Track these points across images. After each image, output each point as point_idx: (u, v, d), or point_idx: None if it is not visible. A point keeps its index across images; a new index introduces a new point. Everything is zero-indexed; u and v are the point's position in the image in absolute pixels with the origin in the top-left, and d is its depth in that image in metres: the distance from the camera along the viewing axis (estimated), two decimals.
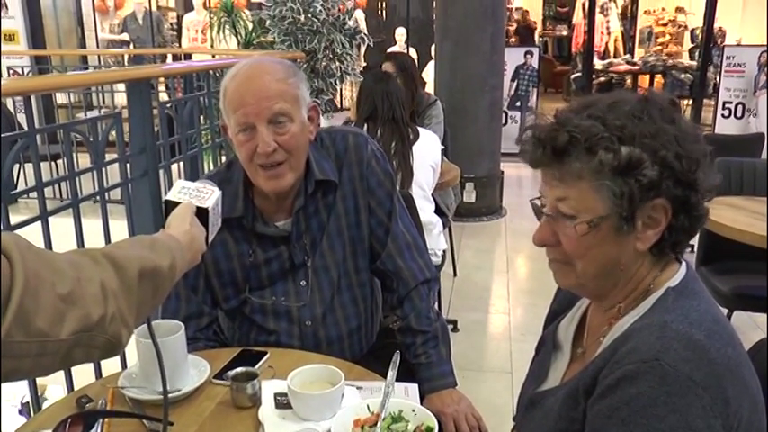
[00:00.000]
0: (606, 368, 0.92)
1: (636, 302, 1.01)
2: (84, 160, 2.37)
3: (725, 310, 2.76)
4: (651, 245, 0.98)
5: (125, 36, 9.15)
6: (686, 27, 12.10)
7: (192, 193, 1.23)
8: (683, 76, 9.71)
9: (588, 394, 0.96)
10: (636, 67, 10.22)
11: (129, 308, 0.87)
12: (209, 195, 1.23)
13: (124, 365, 2.23)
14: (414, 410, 1.23)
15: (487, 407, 1.72)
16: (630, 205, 0.95)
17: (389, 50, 7.62)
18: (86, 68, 7.61)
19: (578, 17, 12.33)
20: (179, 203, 1.20)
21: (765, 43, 6.99)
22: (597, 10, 10.56)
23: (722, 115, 7.40)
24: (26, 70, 7.07)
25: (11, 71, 6.90)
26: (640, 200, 0.94)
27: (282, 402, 1.28)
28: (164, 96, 5.33)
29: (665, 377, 0.86)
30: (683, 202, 0.96)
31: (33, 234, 1.99)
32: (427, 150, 3.03)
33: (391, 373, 1.32)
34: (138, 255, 0.93)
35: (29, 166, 2.10)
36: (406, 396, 1.38)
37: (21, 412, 3.14)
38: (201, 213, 1.21)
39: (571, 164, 0.96)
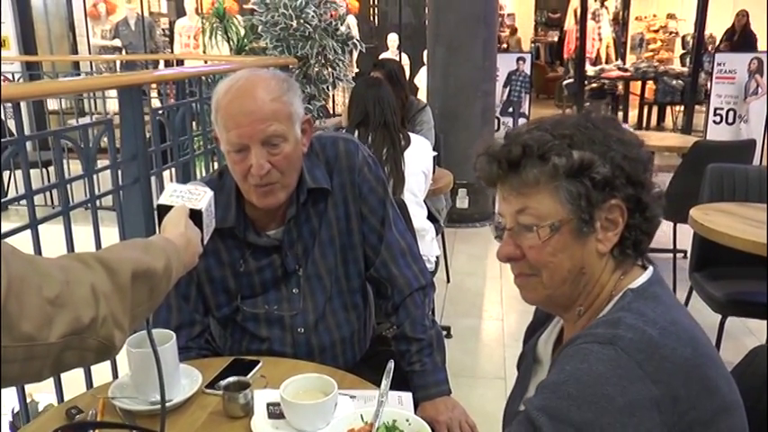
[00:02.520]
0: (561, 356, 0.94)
1: (600, 309, 1.03)
2: (76, 167, 2.35)
3: (718, 317, 2.76)
4: (612, 246, 1.02)
5: (117, 42, 9.12)
6: (677, 33, 12.19)
7: (185, 196, 1.22)
8: (674, 82, 9.76)
9: None
10: (627, 74, 10.25)
11: (123, 310, 0.86)
12: (201, 197, 1.23)
13: (115, 376, 2.21)
14: (408, 420, 1.22)
15: (481, 414, 1.71)
16: (588, 205, 0.98)
17: (380, 57, 7.63)
18: (78, 74, 7.60)
19: (570, 23, 12.39)
20: (172, 207, 1.20)
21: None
22: (589, 16, 10.62)
23: (714, 121, 7.44)
24: (17, 76, 7.04)
25: (1, 77, 6.86)
26: (597, 200, 0.98)
27: (275, 412, 1.27)
28: (156, 103, 5.32)
29: (619, 360, 0.88)
30: (637, 200, 1.00)
31: (24, 242, 1.98)
32: (419, 156, 3.03)
33: (385, 382, 1.31)
34: (130, 257, 0.92)
35: (20, 173, 2.09)
36: (399, 405, 1.37)
37: (11, 424, 3.11)
38: (195, 215, 1.20)
39: (527, 172, 1.00)
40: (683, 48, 11.69)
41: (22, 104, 6.06)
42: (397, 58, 8.21)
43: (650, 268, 1.06)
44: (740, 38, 9.49)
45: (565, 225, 0.99)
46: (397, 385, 1.39)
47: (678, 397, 0.88)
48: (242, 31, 5.96)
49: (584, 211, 0.99)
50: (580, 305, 1.06)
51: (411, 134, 3.11)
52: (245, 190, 1.52)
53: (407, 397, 1.42)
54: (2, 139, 1.94)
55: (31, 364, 0.73)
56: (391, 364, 1.37)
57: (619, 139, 1.01)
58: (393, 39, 9.07)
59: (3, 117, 5.06)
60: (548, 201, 1.00)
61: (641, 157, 1.01)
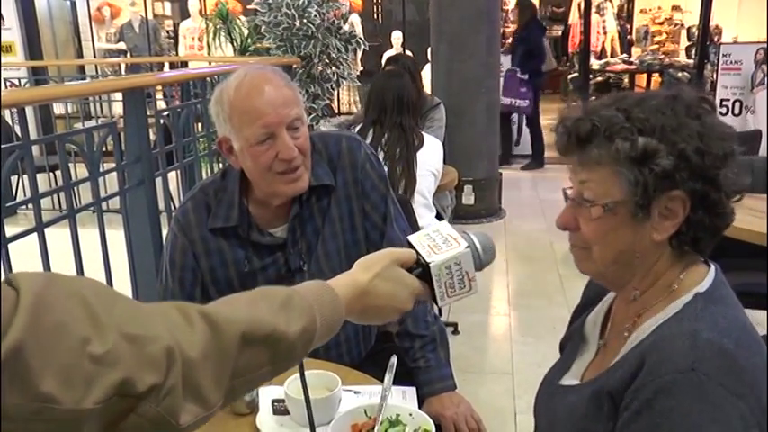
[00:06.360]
0: (638, 379, 0.93)
1: (661, 301, 1.03)
2: (83, 170, 2.37)
3: None
4: (669, 237, 1.01)
5: (122, 45, 9.17)
6: (683, 25, 12.09)
7: (436, 240, 1.04)
8: (680, 74, 9.70)
9: (612, 398, 0.97)
10: (633, 67, 10.21)
11: (217, 377, 0.73)
12: (447, 249, 1.02)
13: None
14: (411, 414, 1.23)
15: (488, 409, 1.72)
16: (645, 193, 0.98)
17: (387, 54, 7.63)
18: (83, 78, 7.63)
19: (574, 17, 12.34)
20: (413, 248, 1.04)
21: (762, 40, 7.00)
22: (593, 10, 10.57)
23: (720, 113, 7.38)
24: (23, 81, 7.08)
25: (8, 83, 6.91)
26: (655, 189, 0.97)
27: (280, 408, 1.29)
28: (162, 105, 5.34)
29: (701, 387, 0.88)
30: (702, 197, 0.98)
31: (31, 246, 2.00)
32: (430, 157, 3.02)
33: (388, 377, 1.32)
34: (248, 316, 0.79)
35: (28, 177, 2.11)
36: (403, 400, 1.38)
37: None
38: (424, 265, 1.02)
39: (592, 150, 1.01)
40: (689, 39, 11.60)
41: (30, 109, 6.11)
42: (405, 54, 8.21)
43: (712, 267, 1.05)
44: (531, 22, 7.48)
45: (620, 207, 1.00)
46: (403, 381, 1.40)
47: (764, 407, 0.89)
48: (245, 32, 5.97)
49: (641, 197, 0.98)
50: (635, 289, 1.06)
51: (424, 134, 3.10)
52: (269, 182, 1.53)
53: (411, 392, 1.43)
54: (8, 144, 1.96)
55: (43, 426, 0.59)
56: (394, 359, 1.38)
57: (696, 131, 0.97)
58: (397, 36, 9.07)
59: (10, 122, 5.10)
60: (607, 181, 1.01)
61: (719, 152, 0.97)
